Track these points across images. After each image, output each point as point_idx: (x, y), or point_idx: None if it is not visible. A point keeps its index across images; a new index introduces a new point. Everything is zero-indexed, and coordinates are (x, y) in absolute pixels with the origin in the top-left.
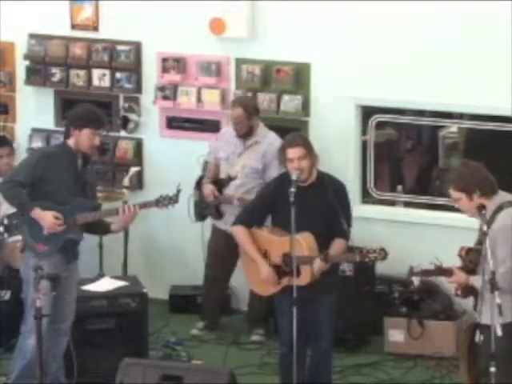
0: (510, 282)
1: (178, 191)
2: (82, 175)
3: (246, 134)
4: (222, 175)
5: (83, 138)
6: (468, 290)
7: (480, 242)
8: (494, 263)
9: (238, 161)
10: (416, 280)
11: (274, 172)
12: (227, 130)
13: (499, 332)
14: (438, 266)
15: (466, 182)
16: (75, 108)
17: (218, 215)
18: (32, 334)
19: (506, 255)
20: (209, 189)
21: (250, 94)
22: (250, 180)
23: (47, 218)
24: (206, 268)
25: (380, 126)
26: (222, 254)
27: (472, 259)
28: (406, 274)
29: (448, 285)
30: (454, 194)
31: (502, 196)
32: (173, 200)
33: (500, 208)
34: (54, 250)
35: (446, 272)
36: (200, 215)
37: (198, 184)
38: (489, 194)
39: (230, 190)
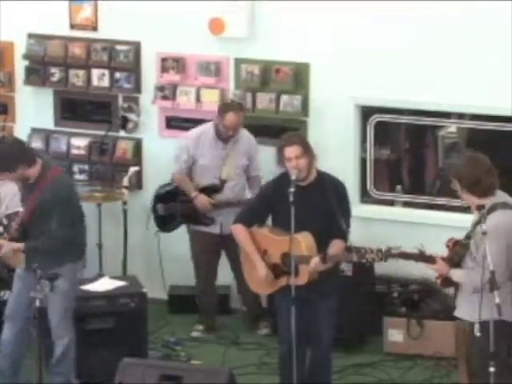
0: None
1: None
2: None
3: (234, 136)
4: (203, 182)
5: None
6: (448, 281)
7: (469, 237)
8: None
9: (225, 163)
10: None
11: (257, 164)
12: (202, 135)
13: (477, 332)
14: (421, 252)
15: (462, 178)
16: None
17: (211, 221)
18: None
19: (491, 256)
20: (204, 199)
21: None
22: (240, 178)
23: None
24: (196, 272)
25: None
26: (211, 255)
27: (458, 252)
28: (383, 255)
29: None
30: (454, 184)
31: (499, 196)
32: None
33: (493, 208)
34: None
35: (429, 259)
36: (172, 226)
37: (160, 198)
38: (482, 195)
39: (225, 193)
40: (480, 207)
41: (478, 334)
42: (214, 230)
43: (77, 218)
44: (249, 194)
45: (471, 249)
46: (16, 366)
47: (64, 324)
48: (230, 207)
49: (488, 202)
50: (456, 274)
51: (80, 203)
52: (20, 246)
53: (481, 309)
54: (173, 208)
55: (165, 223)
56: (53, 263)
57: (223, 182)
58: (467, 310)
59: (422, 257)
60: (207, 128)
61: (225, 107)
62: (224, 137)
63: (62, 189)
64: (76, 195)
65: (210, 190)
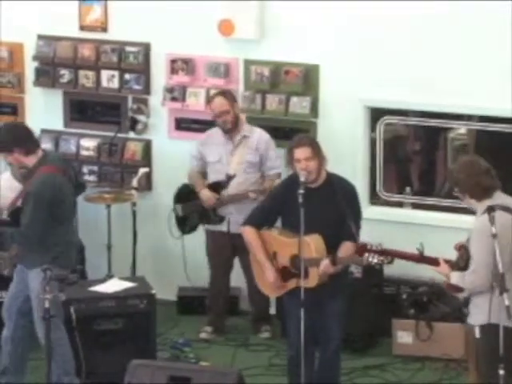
0: (477, 283)
1: None
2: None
3: (234, 126)
4: (213, 178)
5: None
6: (452, 286)
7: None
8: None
9: (232, 159)
10: (371, 258)
11: (273, 162)
12: (211, 133)
13: (477, 334)
14: (421, 252)
15: (460, 181)
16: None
17: (219, 219)
18: None
19: (476, 257)
20: (208, 194)
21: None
22: (249, 175)
23: None
24: (210, 273)
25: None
26: (223, 255)
27: (462, 255)
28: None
29: None
30: (456, 190)
31: (498, 198)
32: None
33: (490, 209)
34: None
35: (433, 261)
36: (190, 227)
37: (180, 198)
38: (479, 198)
39: (231, 189)
40: (490, 210)
41: (477, 335)
42: (222, 227)
43: (57, 221)
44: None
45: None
46: (18, 363)
47: (39, 324)
48: (233, 203)
49: (487, 203)
50: (454, 277)
51: (69, 207)
52: None
53: (490, 310)
54: (189, 207)
55: (184, 224)
56: (28, 262)
57: (230, 177)
58: (471, 313)
59: (425, 259)
60: (216, 128)
61: (208, 98)
62: (223, 127)
63: (42, 187)
64: (62, 198)
65: (217, 186)
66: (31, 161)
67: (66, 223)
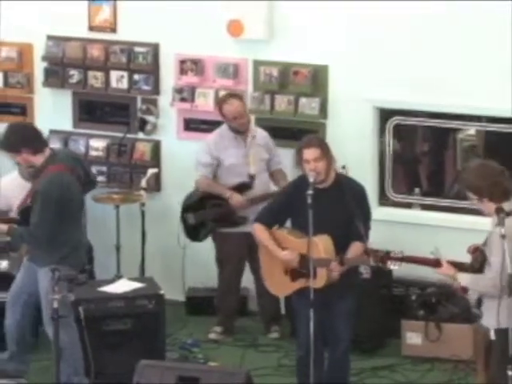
0: (491, 287)
1: None
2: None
3: (248, 127)
4: (232, 181)
5: None
6: (466, 288)
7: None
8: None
9: (248, 160)
10: (393, 265)
11: (279, 157)
12: (220, 134)
13: (492, 336)
14: (436, 257)
15: (477, 185)
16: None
17: (244, 220)
18: None
19: (496, 262)
20: (239, 197)
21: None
22: (261, 174)
23: None
24: (220, 274)
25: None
26: (238, 257)
27: (477, 258)
28: (379, 259)
29: None
30: (467, 193)
31: None
32: None
33: (498, 210)
34: None
35: (435, 263)
36: (203, 234)
37: (188, 208)
38: (498, 201)
39: (255, 189)
40: (499, 210)
41: (493, 337)
42: (246, 228)
43: (66, 220)
44: (275, 188)
45: (487, 254)
46: (24, 350)
47: (48, 323)
48: (264, 201)
49: (505, 206)
50: (463, 278)
51: (77, 206)
52: (4, 227)
53: (498, 314)
54: (203, 215)
55: (196, 233)
56: (38, 260)
57: (252, 177)
58: (485, 315)
59: (427, 261)
60: (223, 129)
61: (218, 103)
62: (240, 130)
63: (49, 186)
64: (70, 197)
65: (241, 188)
66: (39, 160)
67: (75, 222)
